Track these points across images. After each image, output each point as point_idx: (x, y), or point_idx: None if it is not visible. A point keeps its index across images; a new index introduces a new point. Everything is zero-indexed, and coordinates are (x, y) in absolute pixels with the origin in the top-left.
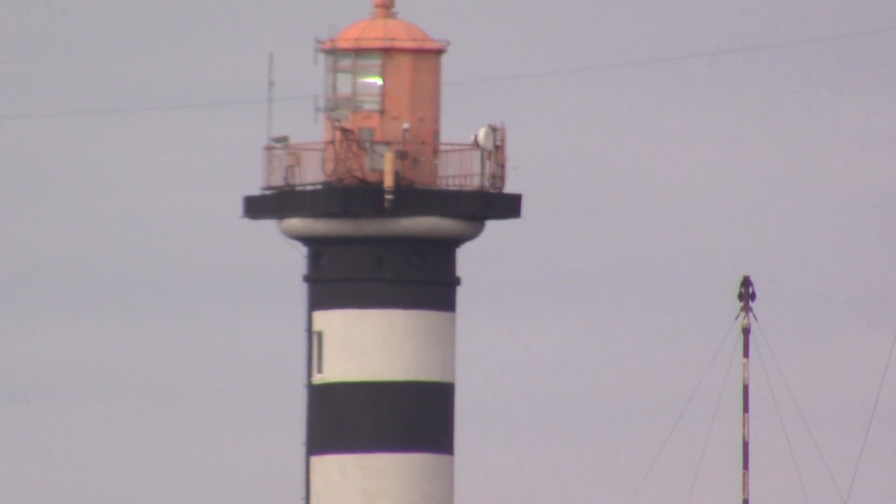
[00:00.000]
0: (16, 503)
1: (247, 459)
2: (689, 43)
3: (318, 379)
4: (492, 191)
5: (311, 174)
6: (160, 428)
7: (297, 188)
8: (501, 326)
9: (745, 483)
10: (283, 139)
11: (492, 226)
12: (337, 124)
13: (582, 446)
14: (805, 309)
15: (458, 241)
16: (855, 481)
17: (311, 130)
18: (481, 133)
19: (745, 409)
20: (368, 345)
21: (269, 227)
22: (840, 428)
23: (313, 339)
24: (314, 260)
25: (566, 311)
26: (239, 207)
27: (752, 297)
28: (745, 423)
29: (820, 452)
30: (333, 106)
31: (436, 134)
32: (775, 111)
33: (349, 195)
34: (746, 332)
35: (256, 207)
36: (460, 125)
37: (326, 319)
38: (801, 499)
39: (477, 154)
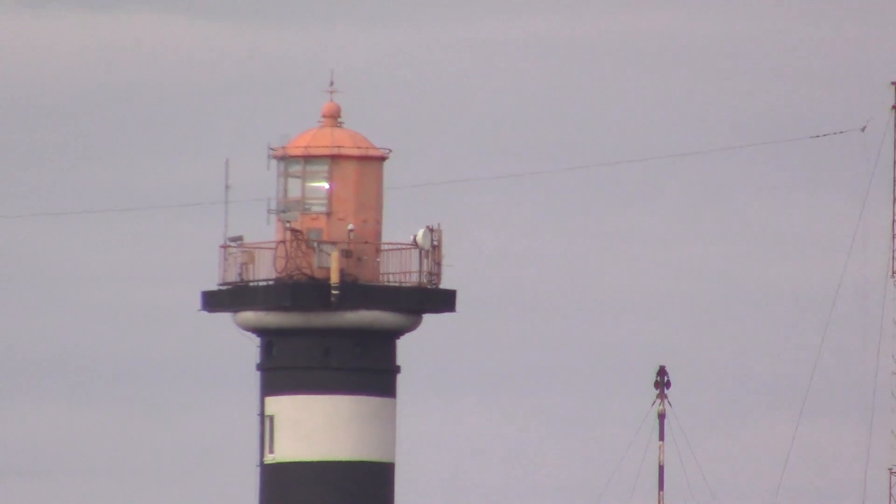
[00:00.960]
0: None
1: None
2: (615, 150)
3: (269, 458)
4: (429, 287)
5: (264, 271)
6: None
7: (251, 283)
8: (438, 411)
9: None
10: (237, 238)
11: (429, 318)
12: (287, 225)
13: None
14: (716, 396)
15: (398, 332)
16: None
17: (263, 231)
18: (420, 234)
19: (661, 487)
20: (316, 427)
21: (224, 319)
22: None
23: (265, 422)
24: (266, 349)
25: (497, 398)
26: (197, 301)
27: (668, 385)
28: (660, 501)
29: None
30: (284, 208)
31: (378, 234)
32: (694, 214)
33: (298, 290)
34: (662, 417)
35: (213, 301)
36: (401, 226)
37: (277, 404)
38: None
39: (416, 253)
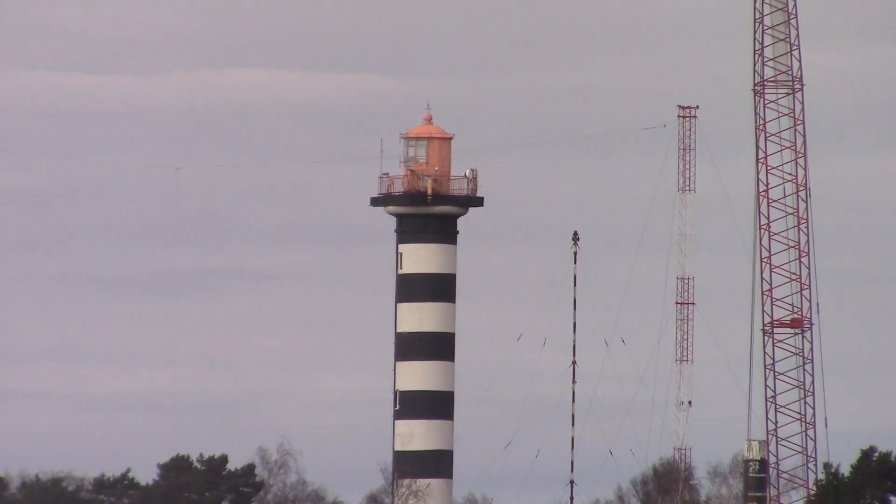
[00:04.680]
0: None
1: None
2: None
3: (401, 272)
4: (471, 195)
5: (398, 187)
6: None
7: (393, 193)
8: (477, 253)
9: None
10: (386, 174)
11: (472, 210)
12: (409, 167)
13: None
14: None
15: (458, 215)
16: None
17: (398, 169)
18: (467, 172)
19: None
20: (422, 256)
21: (380, 211)
22: None
23: (398, 255)
24: (399, 223)
25: (503, 252)
26: (368, 202)
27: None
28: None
29: None
30: (407, 160)
31: (448, 172)
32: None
33: (414, 197)
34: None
35: (377, 201)
36: (459, 168)
37: (405, 248)
38: None
39: (465, 181)
